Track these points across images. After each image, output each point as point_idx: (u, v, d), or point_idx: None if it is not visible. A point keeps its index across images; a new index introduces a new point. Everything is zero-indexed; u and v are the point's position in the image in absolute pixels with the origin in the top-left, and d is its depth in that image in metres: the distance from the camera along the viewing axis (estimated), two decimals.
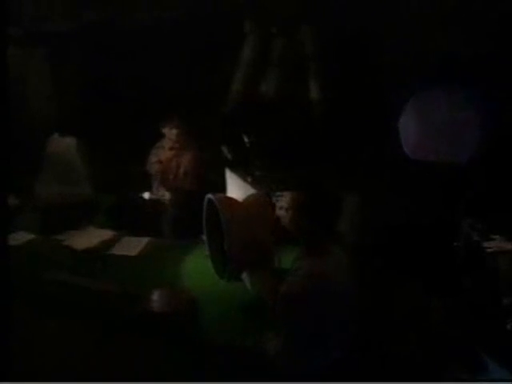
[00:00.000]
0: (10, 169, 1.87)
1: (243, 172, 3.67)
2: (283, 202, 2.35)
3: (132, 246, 3.59)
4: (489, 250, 2.85)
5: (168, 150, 4.10)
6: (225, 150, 4.10)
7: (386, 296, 2.86)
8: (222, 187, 3.64)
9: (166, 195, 4.08)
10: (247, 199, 2.90)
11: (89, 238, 3.67)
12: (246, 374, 2.22)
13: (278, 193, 2.44)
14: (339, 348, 2.23)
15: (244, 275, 2.66)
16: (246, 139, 4.05)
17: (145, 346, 2.52)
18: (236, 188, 3.54)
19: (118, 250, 3.54)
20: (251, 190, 3.25)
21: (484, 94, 3.37)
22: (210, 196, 2.85)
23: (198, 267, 3.24)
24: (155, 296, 2.85)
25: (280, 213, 2.36)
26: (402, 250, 3.18)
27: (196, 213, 3.04)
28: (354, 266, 2.34)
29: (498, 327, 2.64)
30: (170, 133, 4.05)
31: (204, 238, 3.05)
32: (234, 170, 3.69)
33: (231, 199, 2.92)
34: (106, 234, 3.75)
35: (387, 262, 3.11)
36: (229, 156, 4.08)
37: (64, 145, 4.28)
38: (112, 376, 2.30)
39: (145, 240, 3.66)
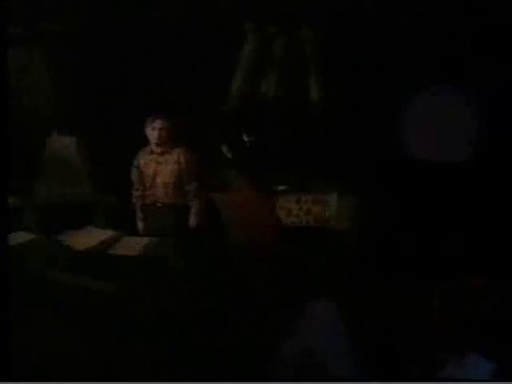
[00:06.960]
0: (9, 169, 1.87)
1: (243, 172, 3.67)
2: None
3: (132, 245, 3.58)
4: None
5: (148, 154, 3.73)
6: (225, 149, 4.08)
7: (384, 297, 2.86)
8: (222, 187, 3.63)
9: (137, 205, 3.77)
10: (246, 196, 2.91)
11: (89, 237, 3.67)
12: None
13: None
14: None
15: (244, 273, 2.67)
16: (246, 139, 4.05)
17: (144, 345, 2.52)
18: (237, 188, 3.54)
19: (118, 250, 3.53)
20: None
21: (484, 94, 3.37)
22: (210, 195, 2.85)
23: (197, 266, 3.24)
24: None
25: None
26: (402, 250, 3.18)
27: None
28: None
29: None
30: (152, 134, 3.66)
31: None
32: (234, 169, 3.69)
33: (232, 198, 2.93)
34: (106, 234, 3.75)
35: (386, 263, 3.11)
36: (229, 155, 4.06)
37: (63, 144, 4.27)
38: (112, 376, 2.30)
39: (145, 240, 3.66)
